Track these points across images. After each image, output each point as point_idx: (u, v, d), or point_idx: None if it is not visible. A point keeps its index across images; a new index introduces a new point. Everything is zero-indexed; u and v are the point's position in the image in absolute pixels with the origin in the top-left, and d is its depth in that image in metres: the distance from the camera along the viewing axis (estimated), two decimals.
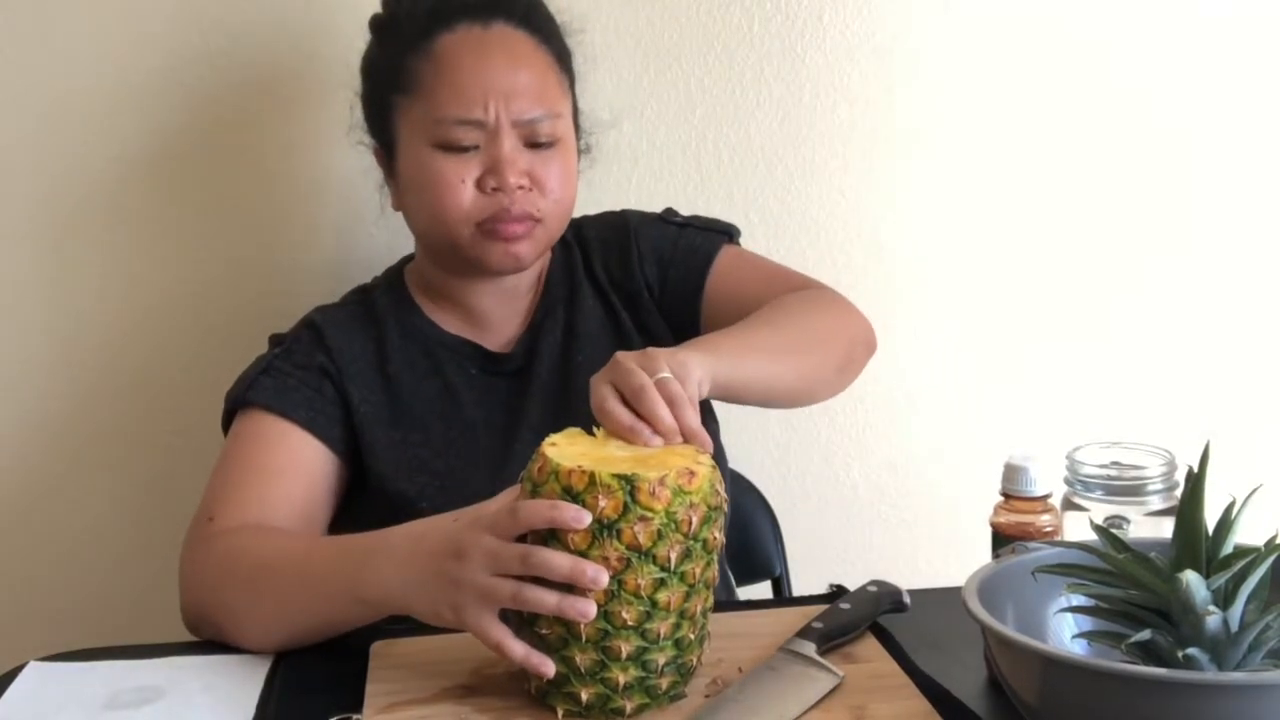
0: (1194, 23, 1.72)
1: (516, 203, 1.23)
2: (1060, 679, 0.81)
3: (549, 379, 1.32)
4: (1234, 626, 0.81)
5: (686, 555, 0.92)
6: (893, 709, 0.95)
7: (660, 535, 0.90)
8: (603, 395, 0.99)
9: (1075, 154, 1.73)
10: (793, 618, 1.08)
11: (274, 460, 1.22)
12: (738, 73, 1.65)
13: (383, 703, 0.98)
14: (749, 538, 1.52)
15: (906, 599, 1.11)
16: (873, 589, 1.11)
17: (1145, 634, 0.81)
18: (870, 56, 1.67)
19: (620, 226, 1.40)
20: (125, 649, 1.11)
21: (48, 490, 1.61)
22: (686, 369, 1.02)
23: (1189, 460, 0.87)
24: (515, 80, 1.24)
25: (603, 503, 0.90)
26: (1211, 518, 0.85)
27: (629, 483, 0.90)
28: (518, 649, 0.94)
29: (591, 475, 0.90)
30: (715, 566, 0.96)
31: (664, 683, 0.95)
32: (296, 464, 1.23)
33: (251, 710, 0.99)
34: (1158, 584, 0.82)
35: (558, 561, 0.90)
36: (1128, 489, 1.00)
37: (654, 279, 1.36)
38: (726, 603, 1.26)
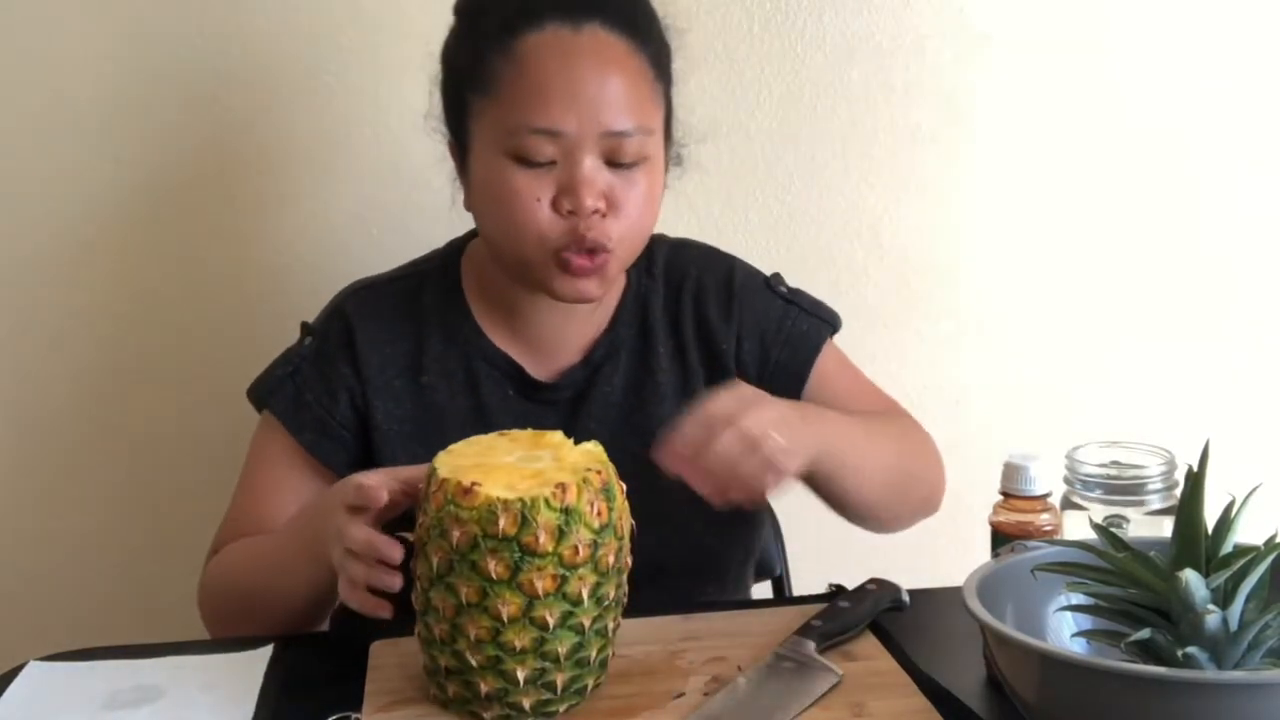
0: (1183, 18, 1.73)
1: (591, 228, 1.12)
2: (1059, 678, 0.81)
3: (597, 430, 1.20)
4: (1233, 625, 0.81)
5: (561, 535, 0.91)
6: (891, 707, 0.95)
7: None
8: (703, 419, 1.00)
9: (1076, 152, 1.73)
10: (792, 617, 1.08)
11: (278, 483, 1.23)
12: (738, 73, 1.65)
13: (383, 702, 0.98)
14: None
15: (906, 597, 1.11)
16: (872, 588, 1.11)
17: (1145, 633, 0.81)
18: (870, 56, 1.67)
19: (725, 278, 1.29)
20: (125, 649, 1.11)
21: (48, 490, 1.61)
22: (796, 445, 1.03)
23: (1189, 460, 0.87)
24: (604, 90, 1.11)
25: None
26: (1211, 517, 0.85)
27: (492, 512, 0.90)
28: (355, 595, 0.98)
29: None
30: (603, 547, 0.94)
31: (562, 678, 0.94)
32: (299, 488, 1.22)
33: (251, 710, 0.99)
34: (1157, 583, 0.82)
35: (354, 533, 0.97)
36: (1127, 488, 0.99)
37: (751, 355, 1.27)
38: (726, 602, 1.26)
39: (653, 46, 1.18)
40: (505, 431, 1.01)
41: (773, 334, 1.28)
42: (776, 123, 1.66)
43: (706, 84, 1.64)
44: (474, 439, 1.00)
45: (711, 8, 1.62)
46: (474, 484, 0.91)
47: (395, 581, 0.95)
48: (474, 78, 1.15)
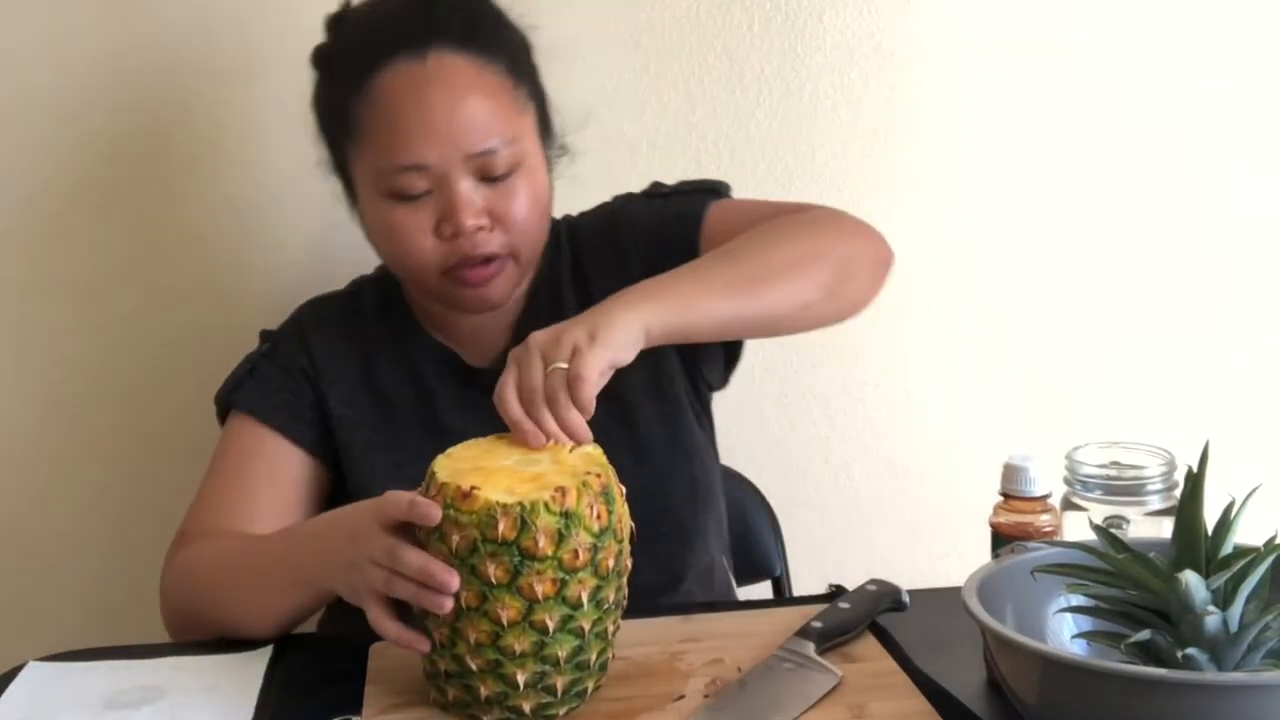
0: (1182, 18, 1.72)
1: (479, 245, 1.15)
2: (1060, 679, 0.81)
3: None
4: (1233, 626, 0.81)
5: (560, 539, 0.91)
6: (891, 708, 0.95)
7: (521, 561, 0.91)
8: (504, 383, 1.00)
9: (1076, 153, 1.73)
10: (792, 617, 1.08)
11: (251, 469, 1.23)
12: (738, 73, 1.65)
13: (383, 703, 0.99)
14: (749, 538, 1.52)
15: (905, 598, 1.11)
16: (872, 588, 1.11)
17: (1145, 634, 0.81)
18: (870, 56, 1.67)
19: (609, 219, 1.32)
20: (125, 649, 1.11)
21: (47, 489, 1.61)
22: (599, 342, 0.99)
23: (1189, 460, 0.87)
24: (460, 116, 1.14)
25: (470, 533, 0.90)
26: (1211, 518, 0.85)
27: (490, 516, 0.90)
28: (391, 628, 0.96)
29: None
30: (601, 552, 0.93)
31: (561, 681, 0.94)
32: (273, 472, 1.23)
33: (251, 710, 0.99)
34: (1157, 584, 0.82)
35: (409, 559, 0.92)
36: (1127, 489, 0.99)
37: (651, 259, 1.24)
38: (726, 603, 1.27)
39: (504, 52, 1.19)
40: (503, 434, 1.01)
41: (660, 230, 1.27)
42: (776, 123, 1.66)
43: (707, 84, 1.64)
44: (472, 441, 1.00)
45: (711, 7, 1.62)
46: (473, 488, 0.91)
47: (446, 604, 0.91)
48: (341, 126, 1.19)
